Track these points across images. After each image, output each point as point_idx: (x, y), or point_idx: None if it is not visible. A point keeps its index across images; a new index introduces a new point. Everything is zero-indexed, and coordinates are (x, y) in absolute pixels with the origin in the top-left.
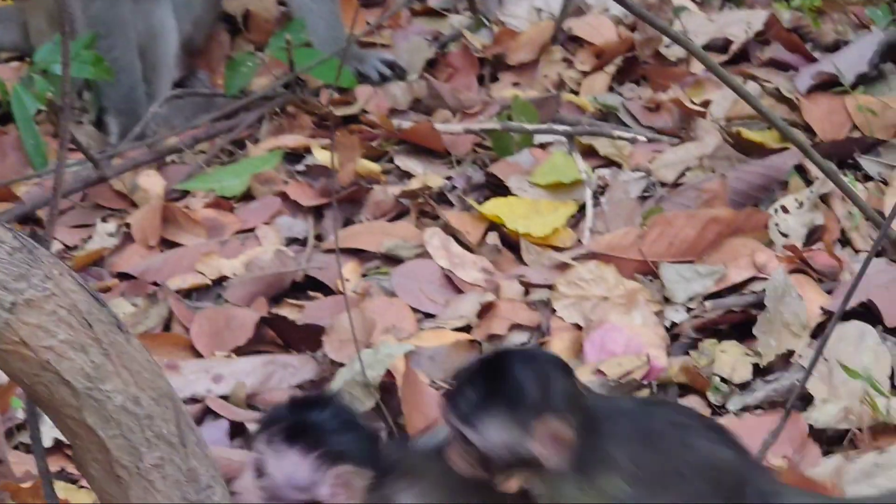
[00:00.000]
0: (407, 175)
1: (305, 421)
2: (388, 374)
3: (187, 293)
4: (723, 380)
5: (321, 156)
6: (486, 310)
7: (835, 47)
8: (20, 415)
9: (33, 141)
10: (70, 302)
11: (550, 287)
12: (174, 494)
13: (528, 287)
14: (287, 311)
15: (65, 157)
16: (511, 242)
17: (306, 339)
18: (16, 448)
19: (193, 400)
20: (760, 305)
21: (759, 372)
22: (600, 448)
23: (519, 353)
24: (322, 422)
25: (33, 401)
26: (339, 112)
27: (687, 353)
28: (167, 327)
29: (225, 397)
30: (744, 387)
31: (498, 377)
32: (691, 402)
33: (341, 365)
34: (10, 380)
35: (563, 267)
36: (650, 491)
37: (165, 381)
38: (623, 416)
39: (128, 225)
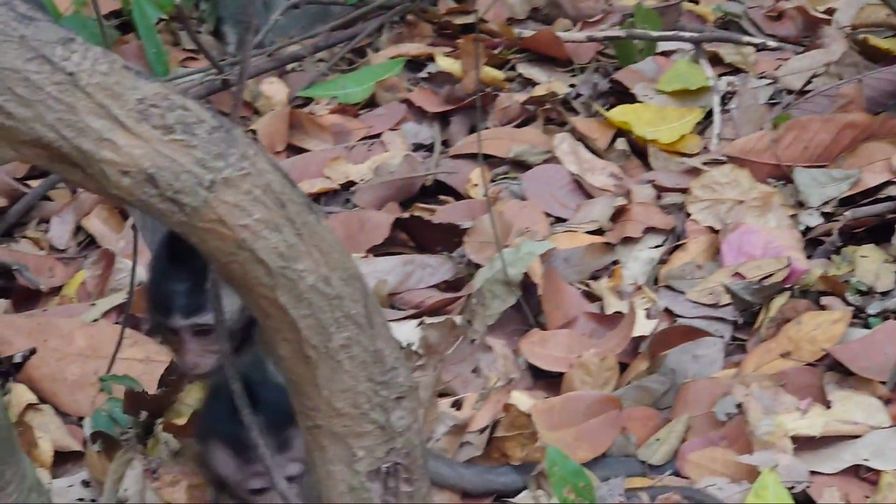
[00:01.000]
0: (530, 83)
1: None
2: (526, 275)
3: (316, 197)
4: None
5: (444, 63)
6: (618, 213)
7: None
8: None
9: (155, 49)
10: (265, 182)
11: (683, 191)
12: (361, 375)
13: (660, 191)
14: (419, 215)
15: (249, 53)
16: (638, 149)
17: (442, 240)
18: None
19: None
20: None
21: None
22: None
23: None
24: None
25: (226, 280)
26: (458, 21)
27: (828, 258)
28: None
29: None
30: (885, 294)
31: None
32: (831, 302)
33: (479, 266)
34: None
35: (694, 172)
36: None
37: (353, 262)
38: None
39: (253, 132)
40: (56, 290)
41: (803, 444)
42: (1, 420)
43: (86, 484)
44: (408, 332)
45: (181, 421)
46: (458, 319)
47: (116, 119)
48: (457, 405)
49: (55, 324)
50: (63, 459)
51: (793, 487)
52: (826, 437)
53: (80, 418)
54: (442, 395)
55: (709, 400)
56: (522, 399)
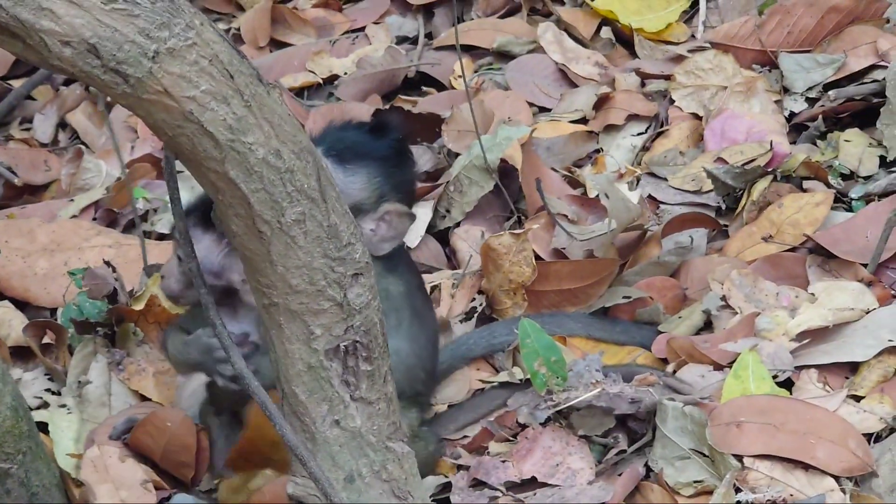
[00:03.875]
0: None
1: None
2: (505, 162)
3: (299, 91)
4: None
5: None
6: (602, 102)
7: None
8: (141, 205)
9: None
10: (212, 52)
11: (667, 78)
12: (315, 251)
13: (644, 78)
14: (399, 106)
15: None
16: (624, 38)
17: (423, 130)
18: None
19: None
20: (882, 94)
21: (885, 164)
22: None
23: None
24: None
25: (175, 154)
26: None
27: (813, 143)
28: None
29: None
30: (868, 178)
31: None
32: (813, 186)
33: (458, 155)
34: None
35: (679, 59)
36: None
37: (305, 135)
38: None
39: (237, 28)
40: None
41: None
42: None
43: (50, 378)
44: None
45: (139, 306)
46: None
47: None
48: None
49: (15, 224)
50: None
51: (776, 376)
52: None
53: (54, 310)
54: None
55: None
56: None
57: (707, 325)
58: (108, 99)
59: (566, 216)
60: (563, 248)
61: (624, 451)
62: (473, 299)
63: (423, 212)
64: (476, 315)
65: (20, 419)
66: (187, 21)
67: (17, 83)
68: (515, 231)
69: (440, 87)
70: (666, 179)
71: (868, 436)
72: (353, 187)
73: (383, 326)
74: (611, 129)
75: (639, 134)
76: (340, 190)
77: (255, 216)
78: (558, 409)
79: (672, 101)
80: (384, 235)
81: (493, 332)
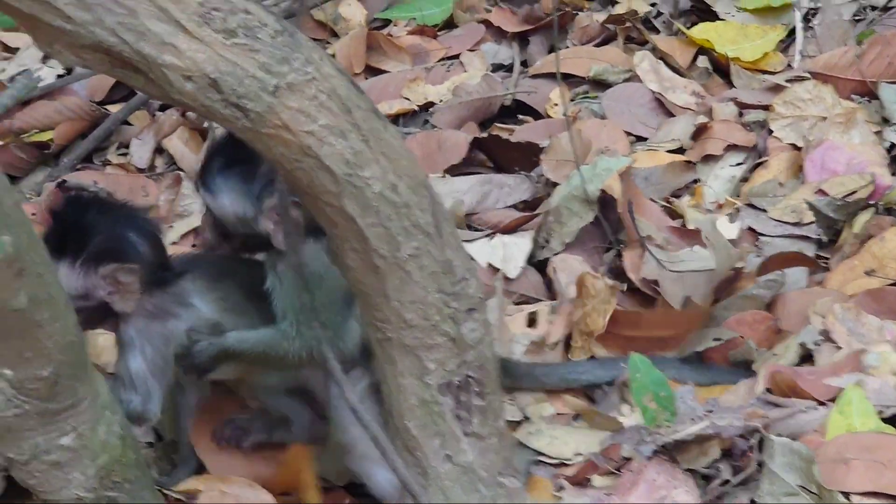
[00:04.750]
0: (609, 2)
1: (69, 227)
2: (604, 192)
3: (394, 119)
4: None
5: None
6: (699, 132)
7: None
8: None
9: None
10: (330, 87)
11: (766, 108)
12: (430, 285)
13: (742, 108)
14: (497, 134)
15: None
16: (720, 67)
17: (520, 159)
18: None
19: None
20: None
21: None
22: None
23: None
24: (85, 224)
25: (292, 188)
26: None
27: None
28: None
29: None
30: None
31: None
32: None
33: (556, 184)
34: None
35: (777, 89)
36: None
37: (421, 169)
38: None
39: (332, 54)
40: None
41: None
42: (74, 338)
43: None
44: (485, 250)
45: None
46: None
47: (178, 23)
48: (531, 323)
49: None
50: None
51: (882, 412)
52: None
53: None
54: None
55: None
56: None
57: (802, 361)
58: (206, 124)
59: (659, 245)
60: (654, 279)
61: (727, 482)
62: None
63: (524, 242)
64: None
65: (127, 448)
66: (306, 55)
67: (114, 108)
68: (610, 282)
69: (536, 115)
70: (765, 211)
71: None
72: (227, 207)
73: (496, 361)
74: (709, 159)
75: (737, 164)
76: (220, 213)
77: (371, 251)
78: (664, 442)
79: (771, 132)
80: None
81: (574, 369)
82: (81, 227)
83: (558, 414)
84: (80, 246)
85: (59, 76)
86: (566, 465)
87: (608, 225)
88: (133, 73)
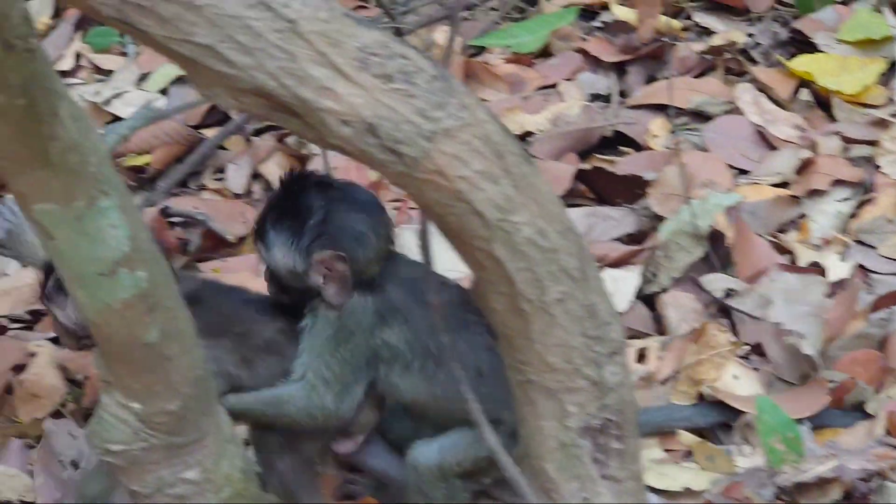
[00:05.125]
0: (706, 32)
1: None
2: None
3: None
4: None
5: (619, 12)
6: (804, 166)
7: None
8: None
9: None
10: (484, 132)
11: (871, 143)
12: (574, 329)
13: (847, 143)
14: (601, 166)
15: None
16: (821, 100)
17: (624, 192)
18: None
19: None
20: None
21: None
22: (403, 304)
23: (318, 180)
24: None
25: (442, 232)
26: None
27: None
28: None
29: None
30: None
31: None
32: None
33: (662, 218)
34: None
35: (881, 124)
36: (436, 368)
37: (568, 215)
38: (443, 295)
39: None
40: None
41: None
42: (202, 372)
43: None
44: None
45: None
46: None
47: (337, 67)
48: (641, 358)
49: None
50: None
51: None
52: None
53: None
54: None
55: None
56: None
57: None
58: (304, 150)
59: None
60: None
61: None
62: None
63: (632, 276)
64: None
65: (250, 481)
66: (461, 101)
67: (209, 132)
68: (733, 339)
69: (636, 146)
70: (875, 248)
71: None
72: (279, 260)
73: (636, 406)
74: (814, 193)
75: (844, 199)
76: (273, 267)
77: (518, 294)
78: (787, 483)
79: (878, 167)
80: (335, 284)
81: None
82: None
83: (667, 450)
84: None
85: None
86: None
87: (717, 260)
88: (290, 116)
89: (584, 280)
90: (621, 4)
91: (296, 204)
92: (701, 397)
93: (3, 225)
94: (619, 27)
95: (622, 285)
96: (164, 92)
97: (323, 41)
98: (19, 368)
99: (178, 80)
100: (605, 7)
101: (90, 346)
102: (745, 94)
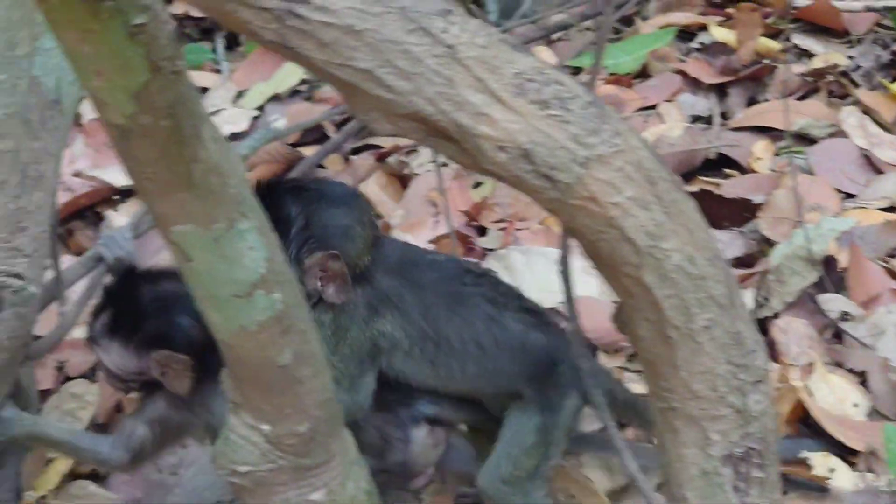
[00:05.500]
0: (805, 54)
1: (121, 308)
2: None
3: None
4: None
5: (718, 33)
6: None
7: None
8: None
9: None
10: (636, 158)
11: None
12: (720, 357)
13: None
14: (708, 189)
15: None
16: None
17: (730, 215)
18: None
19: None
20: None
21: None
22: (392, 291)
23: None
24: (137, 306)
25: (591, 257)
26: None
27: None
28: None
29: None
30: None
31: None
32: None
33: (771, 241)
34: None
35: None
36: (435, 349)
37: (716, 242)
38: (434, 273)
39: None
40: None
41: None
42: (330, 394)
43: None
44: None
45: None
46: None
47: (494, 93)
48: None
49: None
50: None
51: None
52: None
53: None
54: None
55: None
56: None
57: None
58: (406, 170)
59: None
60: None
61: None
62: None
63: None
64: None
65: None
66: (614, 127)
67: (308, 151)
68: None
69: (740, 169)
70: None
71: None
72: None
73: (777, 435)
74: None
75: None
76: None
77: (665, 321)
78: None
79: None
80: (334, 283)
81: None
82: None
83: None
84: (133, 327)
85: (255, 118)
86: None
87: (832, 285)
88: (445, 141)
89: (730, 307)
90: (720, 25)
91: (274, 216)
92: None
93: (115, 252)
94: (718, 48)
95: None
96: (260, 109)
97: (480, 67)
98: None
99: (274, 98)
100: (704, 28)
101: (134, 390)
102: (850, 117)
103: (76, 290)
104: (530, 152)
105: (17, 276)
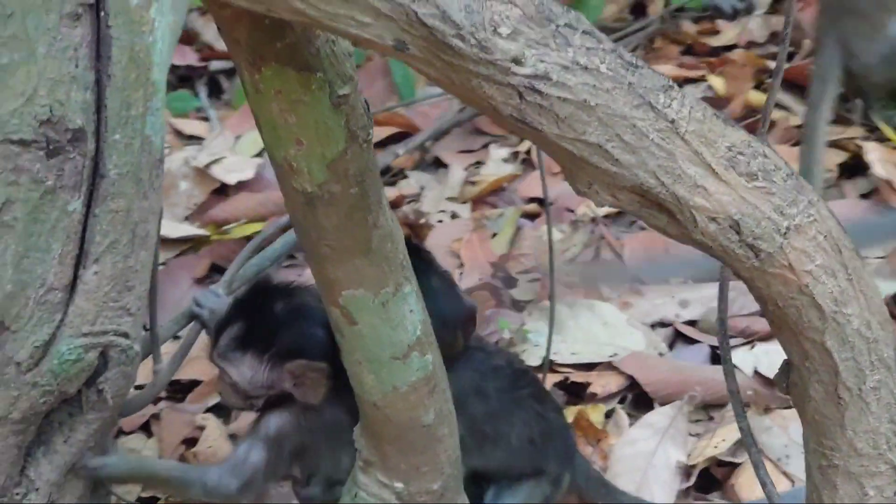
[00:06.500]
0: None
1: (254, 321)
2: None
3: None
4: None
5: (716, 83)
6: None
7: None
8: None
9: (402, 70)
10: (827, 228)
11: None
12: (884, 416)
13: None
14: None
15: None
16: None
17: None
18: None
19: (661, 324)
20: None
21: None
22: (461, 397)
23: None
24: (270, 318)
25: (775, 322)
26: (710, 42)
27: None
28: None
29: (692, 322)
30: None
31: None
32: None
33: None
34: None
35: None
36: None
37: (885, 306)
38: (497, 383)
39: (528, 152)
40: None
41: None
42: (458, 451)
43: None
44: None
45: None
46: None
47: (709, 166)
48: None
49: None
50: None
51: None
52: None
53: None
54: None
55: None
56: None
57: None
58: (422, 220)
59: None
60: None
61: None
62: None
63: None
64: None
65: None
66: (809, 198)
67: None
68: None
69: None
70: None
71: None
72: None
73: None
74: None
75: None
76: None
77: (840, 383)
78: None
79: None
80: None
81: None
82: (262, 322)
83: None
84: (266, 341)
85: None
86: None
87: None
88: (659, 213)
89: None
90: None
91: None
92: None
93: (211, 304)
94: (715, 101)
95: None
96: (259, 156)
97: (698, 140)
98: (189, 442)
99: None
100: (688, 81)
101: (254, 408)
102: (872, 152)
103: (170, 348)
104: (739, 223)
105: (125, 335)
